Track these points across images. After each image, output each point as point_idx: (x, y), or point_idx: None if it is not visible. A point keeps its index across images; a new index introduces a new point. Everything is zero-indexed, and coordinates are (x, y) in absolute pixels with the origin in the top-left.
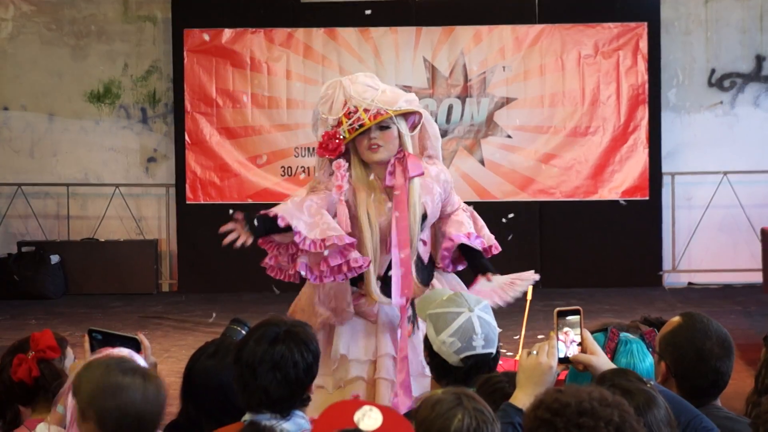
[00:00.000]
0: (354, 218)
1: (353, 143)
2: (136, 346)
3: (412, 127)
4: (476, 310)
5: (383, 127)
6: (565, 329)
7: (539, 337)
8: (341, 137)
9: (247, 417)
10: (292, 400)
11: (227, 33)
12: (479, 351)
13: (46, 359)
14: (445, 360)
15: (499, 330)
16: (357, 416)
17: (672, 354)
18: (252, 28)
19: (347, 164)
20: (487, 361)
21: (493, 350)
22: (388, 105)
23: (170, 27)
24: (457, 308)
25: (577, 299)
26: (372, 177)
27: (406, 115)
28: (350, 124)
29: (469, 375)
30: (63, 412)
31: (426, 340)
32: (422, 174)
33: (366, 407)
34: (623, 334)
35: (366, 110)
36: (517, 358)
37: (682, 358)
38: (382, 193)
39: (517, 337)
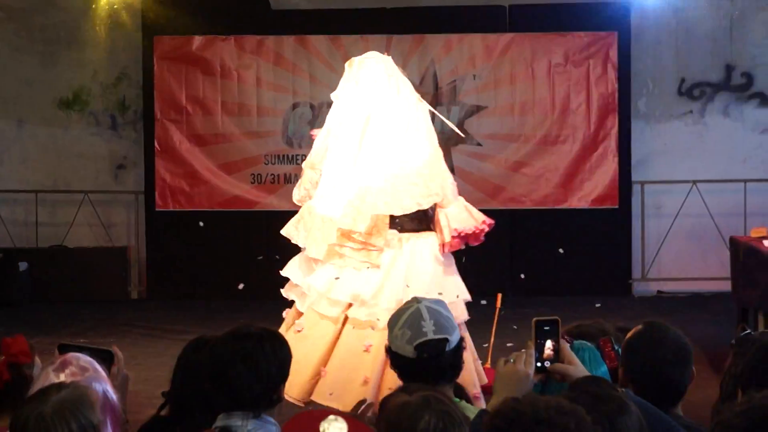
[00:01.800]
0: None
1: None
2: (110, 358)
3: None
4: (424, 302)
5: None
6: (543, 339)
7: (508, 345)
8: None
9: (219, 423)
10: (263, 397)
11: (197, 40)
12: (431, 336)
13: (17, 364)
14: (402, 356)
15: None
16: (323, 425)
17: (627, 360)
18: (222, 35)
19: None
20: (442, 350)
21: (449, 336)
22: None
23: (140, 34)
24: (407, 305)
25: (546, 307)
26: None
27: None
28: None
29: (426, 367)
30: None
31: (386, 348)
32: None
33: (332, 416)
34: (577, 342)
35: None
36: (487, 365)
37: (635, 364)
38: None
39: (486, 345)
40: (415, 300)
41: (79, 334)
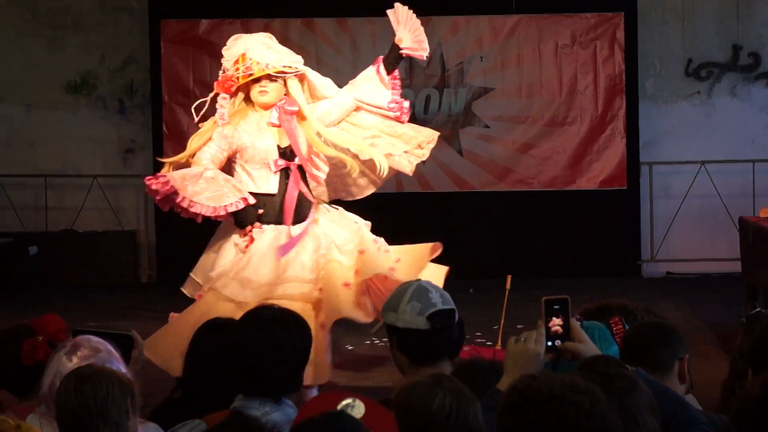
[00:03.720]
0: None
1: (247, 87)
2: (130, 342)
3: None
4: (422, 281)
5: (272, 78)
6: (553, 317)
7: (519, 327)
8: (235, 79)
9: (237, 403)
10: (287, 384)
11: (204, 24)
12: (441, 306)
13: (55, 342)
14: (413, 330)
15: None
16: (341, 406)
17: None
18: (229, 18)
19: (228, 99)
20: (452, 320)
21: (454, 308)
22: (276, 63)
23: (147, 18)
24: (404, 285)
25: (554, 289)
26: (258, 116)
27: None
28: (243, 72)
29: (440, 338)
30: (45, 412)
31: (389, 332)
32: (296, 111)
33: (350, 399)
34: (587, 322)
35: (258, 63)
36: (497, 347)
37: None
38: (266, 127)
39: (497, 327)
40: (412, 281)
41: (88, 318)
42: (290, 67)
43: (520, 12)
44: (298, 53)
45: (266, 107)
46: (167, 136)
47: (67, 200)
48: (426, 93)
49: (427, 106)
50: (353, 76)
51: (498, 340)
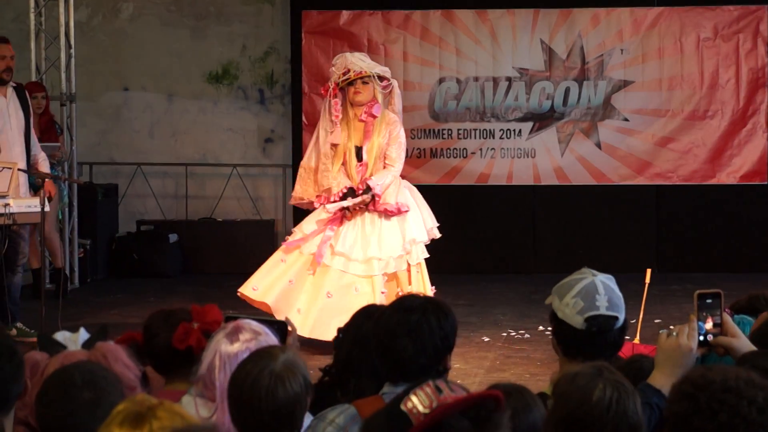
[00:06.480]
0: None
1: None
2: (284, 329)
3: (384, 89)
4: (600, 276)
5: (365, 82)
6: (705, 312)
7: (656, 321)
8: (335, 83)
9: (385, 389)
10: (428, 369)
11: (345, 15)
12: (603, 312)
13: (209, 332)
14: (569, 325)
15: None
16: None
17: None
18: (369, 10)
19: (340, 101)
20: (612, 327)
21: (619, 315)
22: (369, 69)
23: (288, 8)
24: (580, 275)
25: (693, 284)
26: (352, 115)
27: (382, 80)
28: (343, 78)
29: (594, 341)
30: (201, 393)
31: (551, 316)
32: (376, 116)
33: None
34: (738, 316)
35: (353, 71)
36: (636, 341)
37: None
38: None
39: (634, 321)
40: (590, 272)
41: (228, 305)
42: (380, 74)
43: (661, 4)
44: (437, 45)
45: (361, 105)
46: (306, 127)
47: (207, 189)
48: (565, 85)
49: (566, 98)
50: (492, 67)
51: (636, 334)
